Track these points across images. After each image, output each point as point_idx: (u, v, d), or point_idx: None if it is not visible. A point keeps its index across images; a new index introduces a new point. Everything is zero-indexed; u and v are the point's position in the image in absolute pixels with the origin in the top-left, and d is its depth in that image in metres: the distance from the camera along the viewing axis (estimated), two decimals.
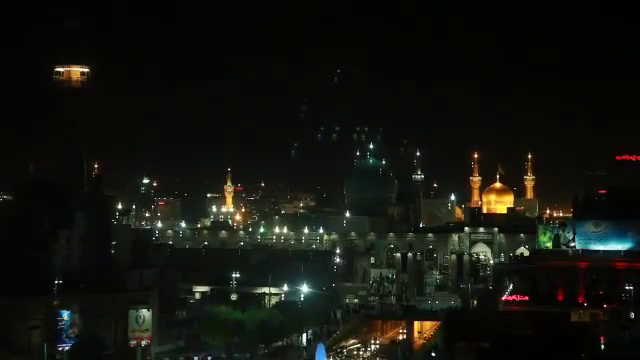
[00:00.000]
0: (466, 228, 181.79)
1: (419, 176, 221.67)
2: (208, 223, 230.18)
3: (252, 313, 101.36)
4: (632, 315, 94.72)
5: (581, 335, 74.10)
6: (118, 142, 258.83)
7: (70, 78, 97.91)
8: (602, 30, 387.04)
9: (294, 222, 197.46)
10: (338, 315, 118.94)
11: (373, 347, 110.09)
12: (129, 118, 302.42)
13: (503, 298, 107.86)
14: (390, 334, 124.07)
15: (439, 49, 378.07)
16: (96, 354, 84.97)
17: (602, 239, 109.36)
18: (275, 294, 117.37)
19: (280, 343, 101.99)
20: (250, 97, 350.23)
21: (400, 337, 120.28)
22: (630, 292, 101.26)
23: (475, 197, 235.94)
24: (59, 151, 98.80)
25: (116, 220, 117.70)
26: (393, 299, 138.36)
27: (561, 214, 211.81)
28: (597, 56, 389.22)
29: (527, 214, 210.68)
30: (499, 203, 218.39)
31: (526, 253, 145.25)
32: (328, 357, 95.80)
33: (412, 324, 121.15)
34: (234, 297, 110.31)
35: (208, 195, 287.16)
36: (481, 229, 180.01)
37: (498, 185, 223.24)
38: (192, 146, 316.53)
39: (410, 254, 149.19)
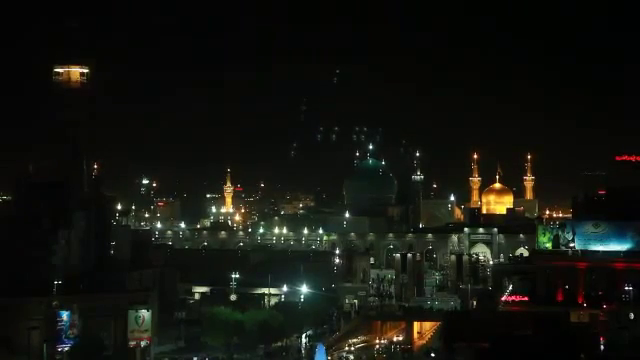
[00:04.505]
0: (465, 229, 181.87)
1: (419, 176, 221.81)
2: (208, 224, 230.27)
3: (252, 313, 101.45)
4: (631, 315, 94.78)
5: (581, 335, 73.99)
6: (118, 142, 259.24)
7: (70, 78, 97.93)
8: (602, 30, 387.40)
9: (294, 222, 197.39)
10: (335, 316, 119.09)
11: (372, 348, 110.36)
12: (129, 118, 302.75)
13: (503, 298, 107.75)
14: (390, 334, 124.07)
15: (439, 49, 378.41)
16: (95, 354, 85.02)
17: (601, 240, 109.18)
18: (275, 295, 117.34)
19: (280, 343, 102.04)
20: (250, 98, 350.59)
21: (400, 337, 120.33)
22: (629, 292, 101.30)
23: (475, 197, 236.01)
24: (59, 151, 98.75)
25: (116, 220, 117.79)
26: (393, 300, 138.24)
27: (560, 214, 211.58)
28: (597, 56, 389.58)
29: (526, 214, 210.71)
30: (498, 203, 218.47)
31: (525, 253, 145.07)
32: (328, 357, 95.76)
33: (412, 325, 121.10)
34: (234, 297, 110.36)
35: (207, 196, 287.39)
36: (480, 230, 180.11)
37: (497, 186, 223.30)
38: (192, 146, 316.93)
39: (410, 254, 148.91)
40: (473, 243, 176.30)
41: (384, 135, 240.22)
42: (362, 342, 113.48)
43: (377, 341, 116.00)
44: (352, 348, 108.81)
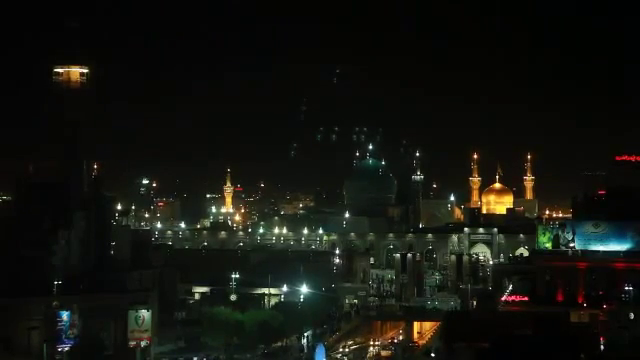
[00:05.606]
0: (465, 229, 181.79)
1: (419, 176, 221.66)
2: (207, 224, 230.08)
3: (252, 314, 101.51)
4: (632, 315, 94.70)
5: (581, 335, 73.93)
6: (118, 142, 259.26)
7: (70, 79, 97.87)
8: (602, 30, 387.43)
9: (293, 222, 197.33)
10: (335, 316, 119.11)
11: (373, 348, 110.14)
12: (129, 118, 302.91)
13: (502, 298, 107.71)
14: (390, 334, 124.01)
15: (439, 49, 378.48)
16: (95, 354, 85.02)
17: (601, 240, 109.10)
18: (275, 295, 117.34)
19: (280, 344, 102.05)
20: (250, 97, 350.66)
21: (399, 338, 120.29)
22: (629, 292, 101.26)
23: (474, 197, 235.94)
24: (59, 151, 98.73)
25: (116, 220, 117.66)
26: (393, 300, 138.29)
27: (560, 214, 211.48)
28: (597, 56, 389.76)
29: (526, 214, 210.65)
30: (498, 203, 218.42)
31: (525, 253, 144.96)
32: (328, 358, 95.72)
33: (412, 325, 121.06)
34: (234, 298, 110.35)
35: (207, 196, 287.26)
36: (480, 230, 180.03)
37: (497, 186, 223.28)
38: (192, 146, 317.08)
39: (409, 255, 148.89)
40: (473, 243, 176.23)
41: (384, 135, 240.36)
42: (358, 343, 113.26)
43: (372, 342, 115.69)
44: (347, 350, 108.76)
